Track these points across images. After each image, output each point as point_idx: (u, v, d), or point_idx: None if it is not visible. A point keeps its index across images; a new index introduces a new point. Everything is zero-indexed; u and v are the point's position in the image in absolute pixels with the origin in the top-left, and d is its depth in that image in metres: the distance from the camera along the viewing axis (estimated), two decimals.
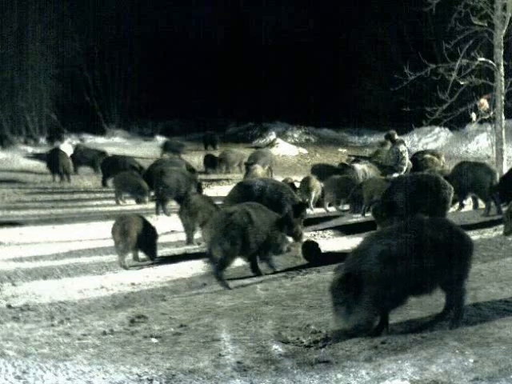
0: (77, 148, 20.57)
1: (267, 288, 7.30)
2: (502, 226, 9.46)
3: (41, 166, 19.95)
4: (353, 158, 16.41)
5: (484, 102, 15.10)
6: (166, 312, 6.46)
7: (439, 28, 21.32)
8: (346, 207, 12.35)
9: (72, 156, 18.89)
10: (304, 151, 24.94)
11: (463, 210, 11.68)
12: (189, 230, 9.76)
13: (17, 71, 26.79)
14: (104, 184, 16.43)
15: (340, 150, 25.39)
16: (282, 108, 30.31)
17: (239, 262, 8.38)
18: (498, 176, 11.32)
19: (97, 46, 28.90)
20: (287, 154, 23.93)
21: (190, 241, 9.77)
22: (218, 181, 17.31)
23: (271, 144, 25.26)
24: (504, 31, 13.44)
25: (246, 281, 7.68)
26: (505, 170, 12.71)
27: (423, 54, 15.03)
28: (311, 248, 8.68)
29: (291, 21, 31.91)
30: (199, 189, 13.19)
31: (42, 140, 26.48)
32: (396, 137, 12.68)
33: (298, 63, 31.49)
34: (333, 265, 6.38)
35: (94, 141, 26.16)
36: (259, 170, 15.21)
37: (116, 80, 30.81)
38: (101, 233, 10.25)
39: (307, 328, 5.69)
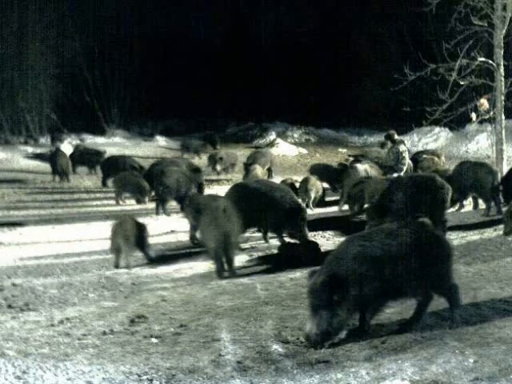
0: (76, 148, 20.58)
1: (267, 288, 7.30)
2: (501, 226, 9.47)
3: (41, 165, 19.93)
4: (352, 159, 16.41)
5: (484, 102, 15.10)
6: (166, 312, 6.46)
7: (439, 28, 21.31)
8: (346, 207, 12.36)
9: (71, 156, 18.89)
10: (304, 151, 24.94)
11: (463, 210, 11.69)
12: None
13: (17, 71, 26.73)
14: (104, 184, 16.41)
15: (340, 150, 25.40)
16: (281, 108, 30.32)
17: (239, 262, 8.41)
18: (499, 176, 11.33)
19: (97, 46, 28.83)
20: (287, 154, 23.93)
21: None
22: (218, 181, 17.31)
23: (271, 144, 25.25)
24: (504, 31, 13.46)
25: (246, 281, 7.68)
26: (505, 170, 12.72)
27: (423, 54, 15.04)
28: (311, 248, 8.69)
29: (291, 21, 31.95)
30: (200, 189, 13.18)
31: (42, 140, 26.43)
32: (396, 137, 12.67)
33: (298, 63, 31.48)
34: None
35: (93, 141, 26.11)
36: (259, 171, 15.20)
37: (116, 80, 30.76)
38: (101, 233, 10.23)
39: None
